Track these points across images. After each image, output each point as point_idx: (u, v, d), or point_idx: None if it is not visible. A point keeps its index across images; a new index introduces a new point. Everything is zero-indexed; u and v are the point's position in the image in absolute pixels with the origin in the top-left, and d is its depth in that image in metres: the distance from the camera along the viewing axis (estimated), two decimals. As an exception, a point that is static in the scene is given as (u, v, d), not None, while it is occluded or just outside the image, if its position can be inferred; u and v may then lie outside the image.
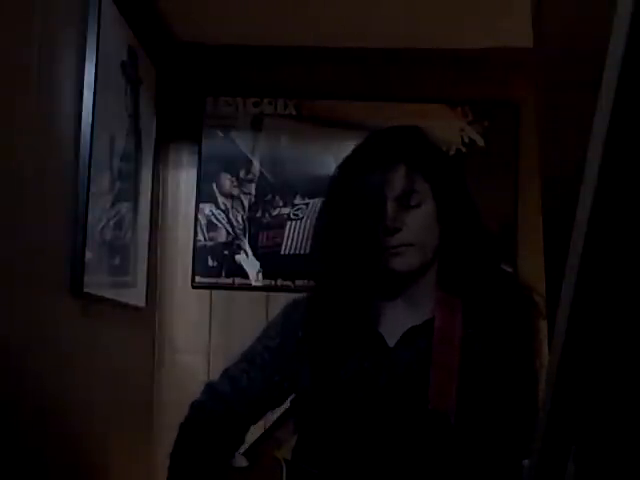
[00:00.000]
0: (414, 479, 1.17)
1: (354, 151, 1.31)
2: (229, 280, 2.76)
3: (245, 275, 2.76)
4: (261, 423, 1.40)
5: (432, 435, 1.17)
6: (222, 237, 2.78)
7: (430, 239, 1.25)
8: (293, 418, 1.35)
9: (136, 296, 2.45)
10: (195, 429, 1.35)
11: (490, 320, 1.24)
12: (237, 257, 2.77)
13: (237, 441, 1.37)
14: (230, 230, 2.78)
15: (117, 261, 2.22)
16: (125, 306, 2.31)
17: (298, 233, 2.75)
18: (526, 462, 0.80)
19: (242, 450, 1.37)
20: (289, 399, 1.35)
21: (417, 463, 1.17)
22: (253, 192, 2.79)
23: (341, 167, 1.31)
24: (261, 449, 1.36)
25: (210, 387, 1.38)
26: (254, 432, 1.40)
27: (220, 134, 2.81)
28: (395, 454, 1.18)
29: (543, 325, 1.20)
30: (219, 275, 2.76)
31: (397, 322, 1.26)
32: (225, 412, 1.34)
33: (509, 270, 1.44)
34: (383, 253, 1.22)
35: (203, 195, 2.80)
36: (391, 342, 1.25)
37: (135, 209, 2.40)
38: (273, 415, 1.39)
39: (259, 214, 2.78)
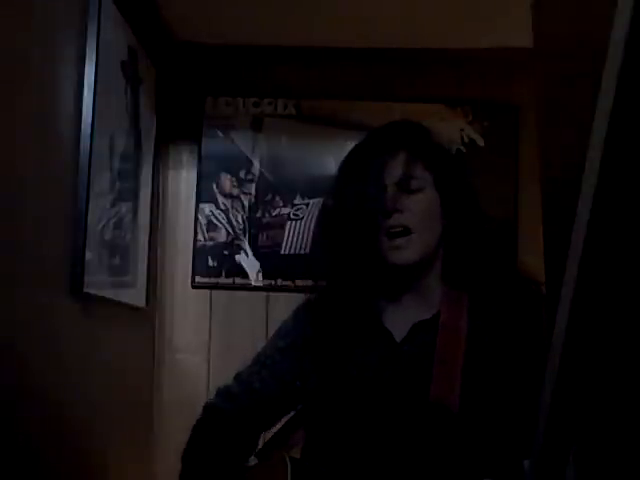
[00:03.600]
0: (418, 475, 1.17)
1: (358, 144, 1.32)
2: (229, 280, 2.76)
3: (245, 275, 2.76)
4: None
5: (435, 429, 1.17)
6: (222, 237, 2.78)
7: (431, 228, 1.25)
8: (304, 418, 1.35)
9: (136, 296, 2.44)
10: (208, 432, 1.34)
11: (497, 313, 1.24)
12: (237, 257, 2.77)
13: (251, 445, 1.36)
14: (230, 230, 2.78)
15: (117, 261, 2.22)
16: (125, 306, 2.31)
17: (298, 233, 2.75)
18: (527, 462, 0.80)
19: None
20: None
21: (422, 458, 1.17)
22: (253, 192, 2.79)
23: (345, 160, 1.32)
24: (273, 451, 1.36)
25: (223, 390, 1.37)
26: (267, 434, 1.40)
27: (220, 134, 2.81)
28: (402, 450, 1.18)
29: None
30: (219, 275, 2.76)
31: (404, 317, 1.26)
32: (238, 415, 1.34)
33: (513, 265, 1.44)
34: (381, 239, 1.22)
35: (203, 195, 2.80)
36: (398, 337, 1.25)
37: (135, 209, 2.40)
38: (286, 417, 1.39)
39: (259, 214, 2.78)
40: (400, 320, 1.26)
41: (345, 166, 1.31)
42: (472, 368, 1.19)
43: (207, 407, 1.38)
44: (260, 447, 1.38)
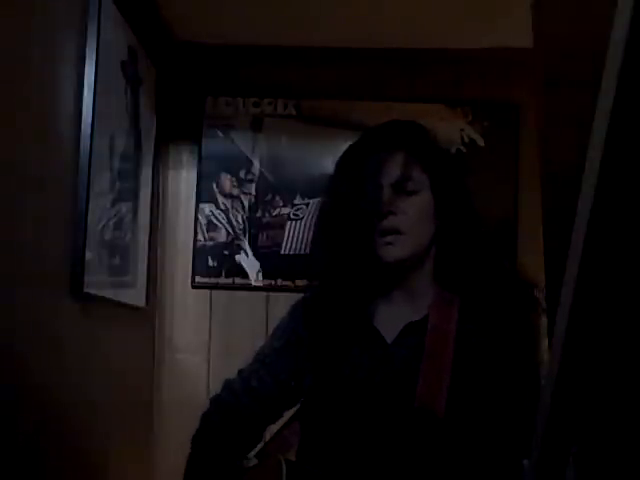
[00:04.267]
0: (408, 477, 1.17)
1: (355, 142, 1.32)
2: (229, 280, 2.76)
3: (245, 275, 2.76)
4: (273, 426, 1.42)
5: (422, 434, 1.16)
6: (222, 237, 2.78)
7: (424, 229, 1.25)
8: (300, 419, 1.36)
9: (136, 296, 2.44)
10: (214, 421, 1.38)
11: (490, 316, 1.24)
12: (237, 257, 2.77)
13: (253, 438, 1.39)
14: (230, 230, 2.78)
15: (117, 261, 2.22)
16: (125, 306, 2.31)
17: (298, 233, 2.75)
18: (526, 462, 0.80)
19: (253, 452, 1.38)
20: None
21: (410, 461, 1.17)
22: (253, 192, 2.79)
23: (342, 157, 1.31)
24: (271, 451, 1.36)
25: (227, 384, 1.40)
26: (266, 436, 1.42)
27: (220, 134, 2.81)
28: (392, 453, 1.18)
29: (543, 321, 1.20)
30: (219, 275, 2.76)
31: (395, 318, 1.26)
32: (240, 410, 1.36)
33: (509, 267, 1.44)
34: (375, 239, 1.22)
35: (203, 195, 2.80)
36: (389, 338, 1.25)
37: (135, 209, 2.40)
38: (283, 417, 1.40)
39: (259, 214, 2.78)
40: (391, 321, 1.26)
41: (341, 164, 1.31)
42: (460, 371, 1.18)
43: (213, 400, 1.41)
44: (257, 449, 1.39)
